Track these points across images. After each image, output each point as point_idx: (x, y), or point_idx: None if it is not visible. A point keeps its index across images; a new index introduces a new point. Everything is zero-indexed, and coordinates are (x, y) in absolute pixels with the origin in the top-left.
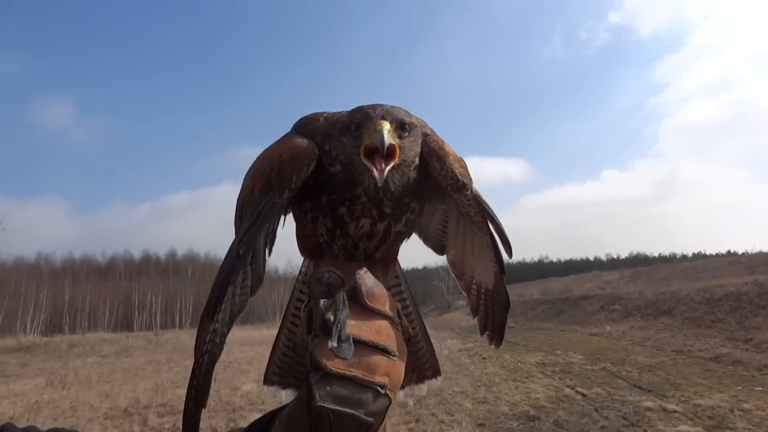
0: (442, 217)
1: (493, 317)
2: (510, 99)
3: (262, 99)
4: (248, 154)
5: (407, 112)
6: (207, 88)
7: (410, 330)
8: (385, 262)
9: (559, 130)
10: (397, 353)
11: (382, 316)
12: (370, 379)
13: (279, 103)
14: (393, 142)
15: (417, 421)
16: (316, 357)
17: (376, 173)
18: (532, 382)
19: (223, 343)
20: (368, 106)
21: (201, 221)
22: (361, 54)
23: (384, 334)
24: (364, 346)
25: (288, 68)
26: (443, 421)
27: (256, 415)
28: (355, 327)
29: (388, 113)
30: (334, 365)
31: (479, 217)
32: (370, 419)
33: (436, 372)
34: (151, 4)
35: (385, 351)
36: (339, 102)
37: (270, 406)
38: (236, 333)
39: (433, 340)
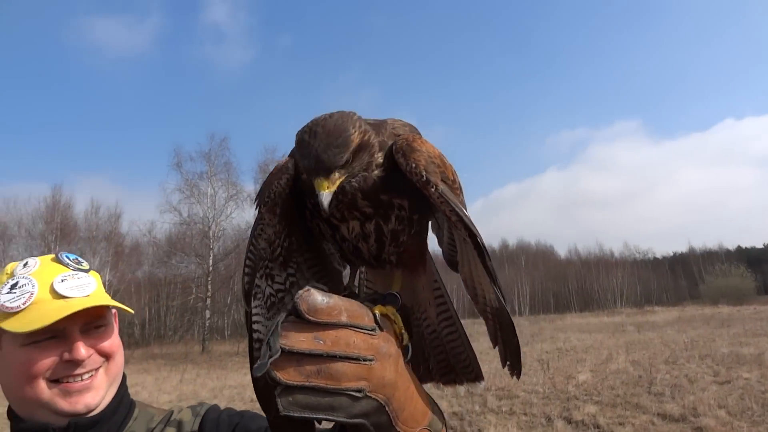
0: (449, 228)
1: (505, 343)
2: None
3: (576, 76)
4: (570, 138)
5: (345, 142)
6: (520, 77)
7: (402, 331)
8: (409, 267)
9: None
10: (371, 357)
11: (339, 326)
12: (335, 387)
13: (594, 79)
14: (330, 206)
15: None
16: (272, 373)
17: (321, 199)
18: None
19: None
20: (303, 151)
21: (529, 210)
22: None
23: (343, 343)
24: (319, 358)
25: (598, 39)
26: None
27: (592, 407)
28: (305, 342)
29: (322, 168)
30: (290, 378)
31: (455, 216)
32: (359, 420)
33: (478, 376)
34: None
35: (348, 358)
36: (651, 80)
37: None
38: (574, 320)
39: None
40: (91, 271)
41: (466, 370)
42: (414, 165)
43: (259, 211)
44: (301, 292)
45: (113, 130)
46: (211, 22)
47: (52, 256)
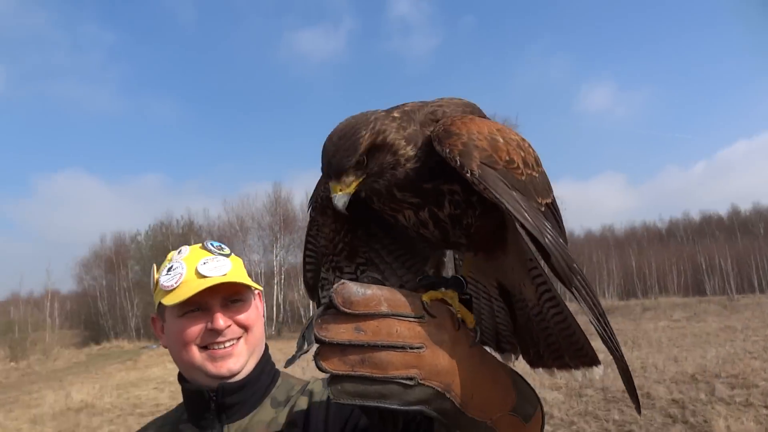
0: None
1: (620, 372)
2: None
3: None
4: None
5: (353, 145)
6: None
7: (459, 316)
8: (484, 248)
9: None
10: (420, 344)
11: (379, 316)
12: (382, 375)
13: None
14: (344, 206)
15: None
16: (318, 362)
17: (335, 202)
18: None
19: None
20: (324, 150)
21: (766, 170)
22: None
23: (384, 332)
24: (360, 348)
25: None
26: None
27: None
28: (345, 333)
29: (332, 171)
30: (335, 367)
31: (501, 206)
32: (416, 407)
33: (594, 361)
34: None
35: (393, 347)
36: None
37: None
38: None
39: None
40: (232, 256)
41: (579, 353)
42: (448, 151)
43: (311, 215)
44: (336, 285)
45: (319, 128)
46: (396, 17)
47: (201, 244)
